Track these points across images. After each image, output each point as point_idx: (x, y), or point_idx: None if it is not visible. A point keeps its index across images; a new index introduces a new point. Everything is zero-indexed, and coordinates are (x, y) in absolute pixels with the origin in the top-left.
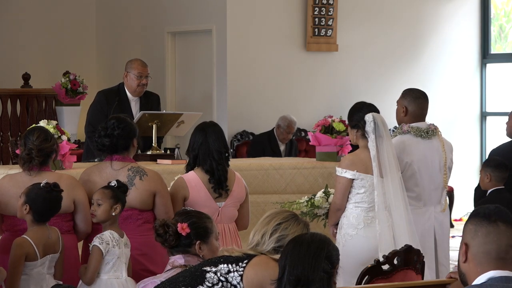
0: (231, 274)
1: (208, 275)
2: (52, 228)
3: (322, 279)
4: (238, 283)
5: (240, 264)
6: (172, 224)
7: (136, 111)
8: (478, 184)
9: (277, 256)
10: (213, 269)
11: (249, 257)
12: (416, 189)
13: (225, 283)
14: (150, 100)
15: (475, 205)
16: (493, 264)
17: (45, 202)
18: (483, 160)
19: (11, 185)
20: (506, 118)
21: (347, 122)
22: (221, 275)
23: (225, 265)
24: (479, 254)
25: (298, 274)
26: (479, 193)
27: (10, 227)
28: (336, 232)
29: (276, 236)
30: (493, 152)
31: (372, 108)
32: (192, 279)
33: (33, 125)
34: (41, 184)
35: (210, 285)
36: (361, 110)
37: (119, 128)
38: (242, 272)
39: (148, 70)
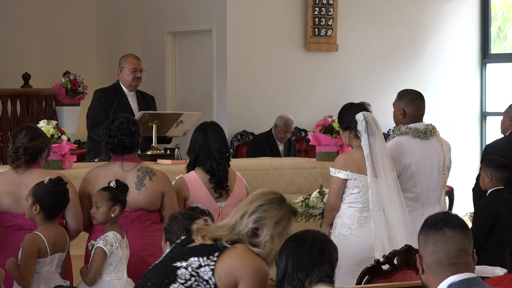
0: (202, 269)
1: (179, 271)
2: (60, 227)
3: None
4: (210, 278)
5: (211, 257)
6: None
7: (135, 107)
8: (475, 184)
9: (256, 249)
10: (184, 264)
11: (220, 249)
12: (414, 190)
13: (197, 277)
14: (146, 97)
15: (474, 206)
16: (447, 271)
17: (53, 197)
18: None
19: (0, 182)
20: None
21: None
22: (192, 270)
23: (196, 259)
24: (431, 264)
25: (302, 279)
26: (478, 193)
27: (0, 223)
28: (331, 233)
29: (254, 217)
30: (488, 147)
31: (361, 108)
32: (163, 279)
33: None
34: (45, 181)
35: (183, 281)
36: (350, 110)
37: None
38: (213, 267)
39: (142, 65)
